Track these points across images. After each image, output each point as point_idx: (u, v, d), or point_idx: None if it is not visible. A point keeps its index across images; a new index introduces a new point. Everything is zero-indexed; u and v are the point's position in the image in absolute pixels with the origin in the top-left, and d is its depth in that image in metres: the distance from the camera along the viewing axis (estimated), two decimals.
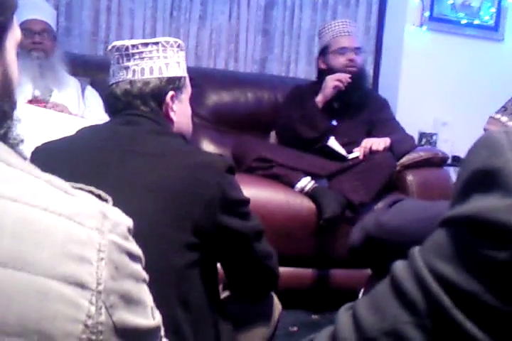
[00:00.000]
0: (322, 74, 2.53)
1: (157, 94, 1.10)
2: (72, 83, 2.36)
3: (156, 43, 1.11)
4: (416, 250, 0.44)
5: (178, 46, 1.14)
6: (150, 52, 1.10)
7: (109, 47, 1.12)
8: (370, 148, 2.25)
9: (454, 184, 0.44)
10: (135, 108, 1.08)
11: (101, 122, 2.16)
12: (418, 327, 0.40)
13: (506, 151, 0.40)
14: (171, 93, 1.12)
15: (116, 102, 1.10)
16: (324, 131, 2.41)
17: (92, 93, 2.40)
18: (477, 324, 0.38)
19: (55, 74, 2.28)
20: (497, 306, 0.38)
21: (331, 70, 2.48)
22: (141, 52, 1.09)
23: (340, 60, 2.46)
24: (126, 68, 1.09)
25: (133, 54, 1.09)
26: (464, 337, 0.39)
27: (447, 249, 0.41)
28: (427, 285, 0.40)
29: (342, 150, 2.34)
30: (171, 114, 1.12)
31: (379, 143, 2.26)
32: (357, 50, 2.48)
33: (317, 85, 2.51)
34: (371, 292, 0.45)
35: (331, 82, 2.39)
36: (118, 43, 1.11)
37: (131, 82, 1.09)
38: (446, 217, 0.42)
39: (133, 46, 1.09)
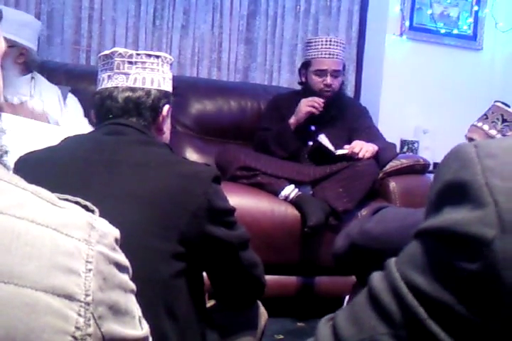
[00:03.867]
0: (304, 84, 2.57)
1: (156, 106, 1.11)
2: (54, 92, 2.34)
3: (158, 57, 1.13)
4: (392, 261, 0.44)
5: (171, 64, 1.17)
6: (152, 63, 1.11)
7: (108, 51, 1.12)
8: (357, 153, 2.26)
9: (428, 195, 0.45)
10: (127, 116, 1.08)
11: (81, 128, 2.16)
12: (395, 337, 0.41)
13: (475, 164, 0.41)
14: (167, 106, 1.13)
15: (113, 105, 1.09)
16: (295, 152, 2.44)
17: (73, 100, 2.39)
18: (451, 335, 0.39)
19: (35, 82, 2.26)
20: (469, 317, 0.39)
21: (308, 87, 2.51)
22: (144, 62, 1.11)
23: (316, 82, 2.47)
24: (127, 74, 1.10)
25: (136, 62, 1.10)
26: None
27: (421, 260, 0.41)
28: (403, 296, 0.41)
29: (331, 146, 2.35)
30: (164, 127, 1.14)
31: (367, 151, 2.27)
32: (336, 72, 2.47)
33: (298, 95, 2.53)
34: (350, 303, 0.46)
35: (304, 107, 2.40)
36: (121, 49, 1.12)
37: (132, 89, 1.09)
38: (419, 229, 0.43)
39: (137, 55, 1.11)
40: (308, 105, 2.40)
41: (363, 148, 2.27)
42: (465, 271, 0.39)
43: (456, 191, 0.41)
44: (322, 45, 2.47)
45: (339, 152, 2.31)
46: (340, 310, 0.46)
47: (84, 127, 2.22)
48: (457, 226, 0.39)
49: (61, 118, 2.26)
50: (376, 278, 0.44)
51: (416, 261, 0.42)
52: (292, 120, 2.45)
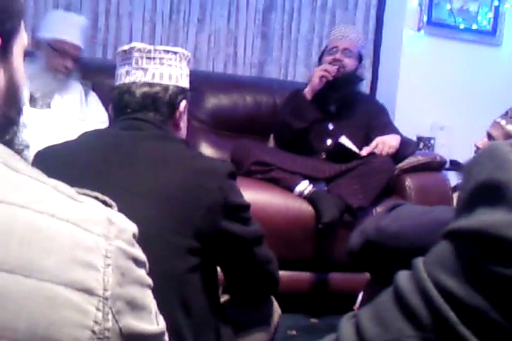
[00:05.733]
0: None
1: (173, 101, 1.11)
2: (76, 88, 2.36)
3: (176, 53, 1.13)
4: (420, 261, 0.43)
5: (189, 60, 1.17)
6: (170, 59, 1.11)
7: (127, 47, 1.13)
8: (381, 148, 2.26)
9: (458, 193, 0.44)
10: (144, 111, 1.09)
11: (102, 126, 2.18)
12: (422, 340, 0.40)
13: None
14: (184, 102, 1.14)
15: (131, 100, 1.09)
16: (313, 121, 2.44)
17: (94, 98, 2.40)
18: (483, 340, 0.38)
19: (62, 84, 2.28)
20: (503, 324, 0.38)
21: None
22: (162, 58, 1.11)
23: (327, 59, 2.53)
24: (145, 70, 1.10)
25: (154, 58, 1.10)
26: None
27: (452, 262, 0.40)
28: (432, 300, 0.40)
29: (355, 148, 2.34)
30: (181, 122, 1.14)
31: (390, 147, 2.26)
32: (348, 51, 2.52)
33: None
34: (374, 301, 0.45)
35: (317, 72, 2.45)
36: (139, 45, 1.12)
37: (150, 85, 1.10)
38: (451, 229, 0.42)
39: (155, 50, 1.11)
40: (320, 69, 2.44)
41: (385, 147, 2.26)
42: (499, 275, 0.37)
43: (491, 192, 0.40)
44: (338, 31, 2.59)
45: (364, 153, 2.30)
46: (364, 308, 0.46)
47: (105, 126, 2.23)
48: (492, 228, 0.38)
49: (80, 116, 2.28)
50: (403, 277, 0.43)
51: (447, 262, 0.41)
52: (307, 89, 2.47)
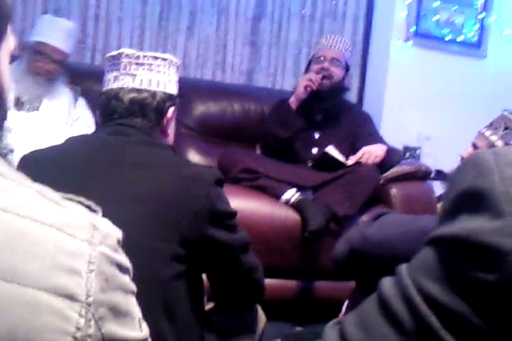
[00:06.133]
0: None
1: (161, 107, 1.11)
2: (64, 93, 2.35)
3: (165, 59, 1.13)
4: (404, 268, 0.43)
5: (178, 67, 1.17)
6: (158, 65, 1.11)
7: (115, 52, 1.12)
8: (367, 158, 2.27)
9: (442, 201, 0.45)
10: (131, 117, 1.08)
11: (88, 129, 2.17)
12: None
13: (494, 172, 0.40)
14: (172, 108, 1.13)
15: (119, 105, 1.09)
16: (297, 130, 2.45)
17: (82, 103, 2.39)
18: None
19: (47, 87, 2.27)
20: (484, 329, 0.38)
21: None
22: (151, 64, 1.11)
23: (315, 67, 2.54)
24: (133, 76, 1.10)
25: (142, 64, 1.10)
26: None
27: (435, 268, 0.41)
28: (415, 305, 0.40)
29: (341, 158, 2.35)
30: (168, 129, 1.14)
31: (376, 156, 2.28)
32: (335, 61, 2.53)
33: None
34: (358, 308, 0.45)
35: (302, 81, 2.46)
36: (128, 51, 1.12)
37: (138, 90, 1.09)
38: (434, 236, 0.42)
39: (144, 56, 1.11)
40: (305, 79, 2.45)
41: (371, 156, 2.28)
42: (481, 281, 0.38)
43: (473, 199, 0.40)
44: (325, 39, 2.60)
45: (350, 162, 2.31)
46: (348, 315, 0.46)
47: (91, 130, 2.22)
48: (474, 235, 0.39)
49: (69, 121, 2.27)
50: (387, 284, 0.43)
51: (430, 268, 0.41)
52: (292, 98, 2.48)
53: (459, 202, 0.42)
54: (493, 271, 0.37)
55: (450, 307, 0.39)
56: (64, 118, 2.26)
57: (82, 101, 2.40)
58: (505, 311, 0.37)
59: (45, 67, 2.22)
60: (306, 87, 2.43)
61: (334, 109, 2.53)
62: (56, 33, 2.24)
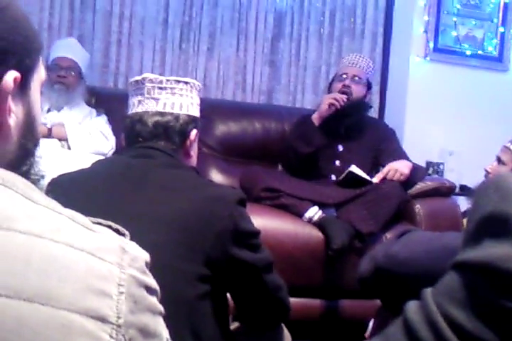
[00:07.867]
0: None
1: (184, 130, 1.14)
2: (82, 105, 2.50)
3: (187, 83, 1.16)
4: (429, 292, 0.43)
5: (199, 90, 1.20)
6: (181, 89, 1.14)
7: (139, 77, 1.16)
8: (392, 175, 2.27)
9: (466, 222, 0.44)
10: (156, 140, 1.11)
11: (105, 140, 2.30)
12: None
13: None
14: (195, 131, 1.16)
15: (143, 129, 1.12)
16: (319, 145, 2.46)
17: (104, 118, 2.52)
18: None
19: (71, 102, 2.41)
20: None
21: None
22: (173, 88, 1.14)
23: (337, 86, 2.56)
24: (156, 100, 1.13)
25: (165, 88, 1.13)
26: None
27: (461, 294, 0.40)
28: (441, 332, 0.40)
29: (366, 176, 2.34)
30: (191, 151, 1.16)
31: (402, 174, 2.27)
32: (357, 78, 2.55)
33: None
34: (384, 332, 0.45)
35: (327, 99, 2.48)
36: (151, 75, 1.15)
37: (161, 114, 1.12)
38: (458, 261, 0.42)
39: (167, 81, 1.14)
40: (330, 97, 2.47)
41: (397, 173, 2.27)
42: (507, 309, 0.37)
43: (497, 224, 0.40)
44: (347, 58, 2.66)
45: (375, 180, 2.30)
46: (374, 339, 0.46)
47: (95, 138, 2.34)
48: (499, 262, 0.38)
49: (80, 124, 2.37)
50: (412, 308, 0.43)
51: (455, 294, 0.41)
52: (315, 115, 2.50)
53: (483, 226, 0.41)
54: None
55: (475, 333, 0.38)
56: (77, 121, 2.39)
57: (104, 117, 2.52)
58: None
59: (58, 73, 2.40)
60: (330, 105, 2.45)
61: (357, 123, 2.54)
62: (61, 47, 2.49)
